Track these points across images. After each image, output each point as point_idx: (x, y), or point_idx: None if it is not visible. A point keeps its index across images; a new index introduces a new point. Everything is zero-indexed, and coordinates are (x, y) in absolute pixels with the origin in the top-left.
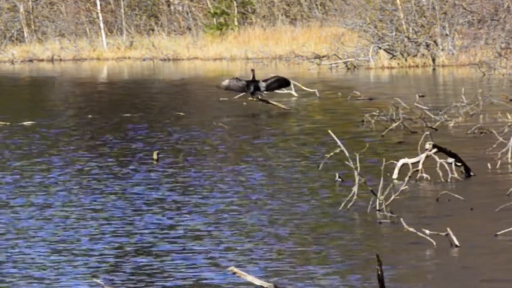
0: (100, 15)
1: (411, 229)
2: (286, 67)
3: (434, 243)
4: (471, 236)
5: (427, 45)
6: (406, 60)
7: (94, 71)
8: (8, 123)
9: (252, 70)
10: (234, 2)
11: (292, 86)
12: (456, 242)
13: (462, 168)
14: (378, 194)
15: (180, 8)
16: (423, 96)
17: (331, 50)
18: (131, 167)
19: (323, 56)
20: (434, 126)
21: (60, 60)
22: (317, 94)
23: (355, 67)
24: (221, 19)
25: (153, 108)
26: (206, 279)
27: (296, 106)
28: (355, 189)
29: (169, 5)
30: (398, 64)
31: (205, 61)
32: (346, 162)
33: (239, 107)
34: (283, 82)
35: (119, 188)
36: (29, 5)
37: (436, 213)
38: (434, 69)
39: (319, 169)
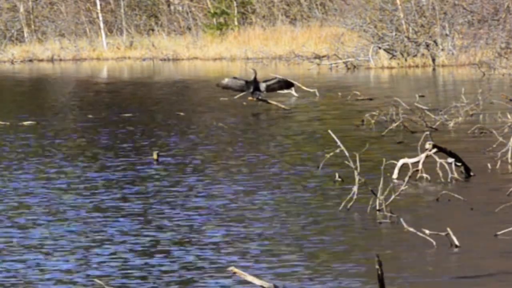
0: (100, 15)
1: (411, 229)
2: (286, 67)
3: (434, 243)
4: (471, 236)
5: (427, 45)
6: (406, 60)
7: (94, 71)
8: (8, 123)
9: (254, 71)
10: (234, 2)
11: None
12: (456, 242)
13: (462, 168)
14: (378, 194)
15: (180, 8)
16: (423, 96)
17: (331, 50)
18: (131, 167)
19: (323, 56)
20: (434, 126)
21: (60, 60)
22: (317, 94)
23: (355, 67)
24: (221, 19)
25: (153, 108)
26: (206, 279)
27: (296, 106)
28: (355, 189)
29: (169, 5)
30: (398, 64)
31: (205, 61)
32: (346, 162)
33: (239, 107)
34: (284, 84)
35: (119, 188)
36: (29, 5)
37: (436, 213)
38: (434, 69)
39: (319, 169)
